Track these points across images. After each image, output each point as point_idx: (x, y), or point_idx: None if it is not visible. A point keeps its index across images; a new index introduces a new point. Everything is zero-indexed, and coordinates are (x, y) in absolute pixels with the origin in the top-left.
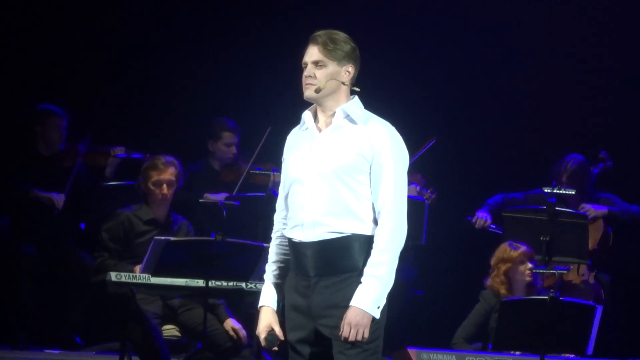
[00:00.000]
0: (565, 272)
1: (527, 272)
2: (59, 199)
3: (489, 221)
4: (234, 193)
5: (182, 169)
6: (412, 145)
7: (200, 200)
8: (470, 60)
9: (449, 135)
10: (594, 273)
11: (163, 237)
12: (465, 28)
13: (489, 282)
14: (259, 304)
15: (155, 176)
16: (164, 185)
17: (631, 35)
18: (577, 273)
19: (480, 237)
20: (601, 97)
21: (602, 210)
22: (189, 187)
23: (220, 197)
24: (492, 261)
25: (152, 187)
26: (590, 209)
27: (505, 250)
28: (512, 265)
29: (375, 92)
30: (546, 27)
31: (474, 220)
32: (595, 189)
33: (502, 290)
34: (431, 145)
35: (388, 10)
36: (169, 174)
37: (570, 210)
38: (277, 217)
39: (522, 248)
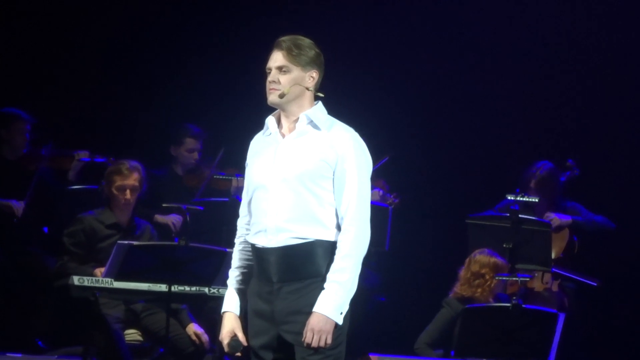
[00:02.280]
0: (528, 279)
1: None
2: (19, 207)
3: None
4: (195, 199)
5: (146, 174)
6: (375, 152)
7: (165, 204)
8: (438, 66)
9: (413, 141)
10: (558, 281)
11: (126, 242)
12: (433, 36)
13: (465, 291)
14: (222, 310)
15: (118, 181)
16: (127, 191)
17: (599, 44)
18: (541, 281)
19: (443, 243)
20: (569, 105)
21: (567, 220)
22: (148, 201)
23: (170, 219)
24: (475, 269)
25: (115, 192)
26: (555, 218)
27: (495, 261)
28: (498, 273)
29: (340, 98)
30: (513, 36)
31: None
32: (562, 198)
33: (490, 299)
34: (385, 161)
35: (353, 17)
36: (133, 179)
37: (534, 218)
38: (240, 223)
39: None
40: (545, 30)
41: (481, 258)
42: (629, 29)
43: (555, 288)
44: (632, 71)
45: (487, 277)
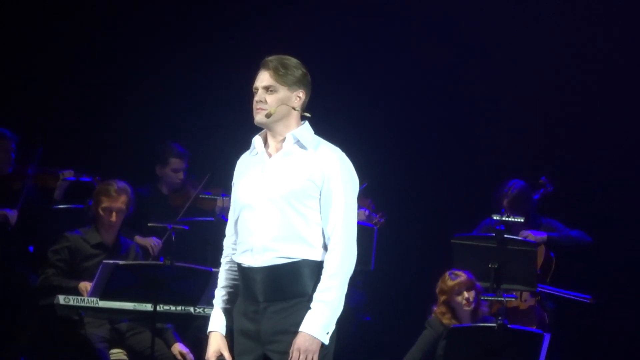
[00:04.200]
0: (513, 299)
1: (464, 302)
2: (12, 215)
3: None
4: (179, 218)
5: (133, 196)
6: (362, 171)
7: (150, 223)
8: (418, 84)
9: (399, 160)
10: (537, 299)
11: (112, 261)
12: (417, 54)
13: (435, 310)
14: (208, 329)
15: (105, 202)
16: (114, 213)
17: (569, 60)
18: (520, 299)
19: (428, 262)
20: (542, 122)
21: (542, 237)
22: (131, 220)
23: (149, 241)
24: (436, 290)
25: (101, 213)
26: (530, 235)
27: (443, 280)
28: (449, 296)
29: (326, 118)
30: (486, 51)
31: None
32: (536, 215)
33: (445, 320)
34: (364, 187)
35: (338, 36)
36: (120, 202)
37: (519, 238)
38: (227, 242)
39: (461, 277)
40: (517, 48)
41: (441, 279)
42: (599, 47)
43: (534, 304)
44: (604, 87)
45: (441, 298)
